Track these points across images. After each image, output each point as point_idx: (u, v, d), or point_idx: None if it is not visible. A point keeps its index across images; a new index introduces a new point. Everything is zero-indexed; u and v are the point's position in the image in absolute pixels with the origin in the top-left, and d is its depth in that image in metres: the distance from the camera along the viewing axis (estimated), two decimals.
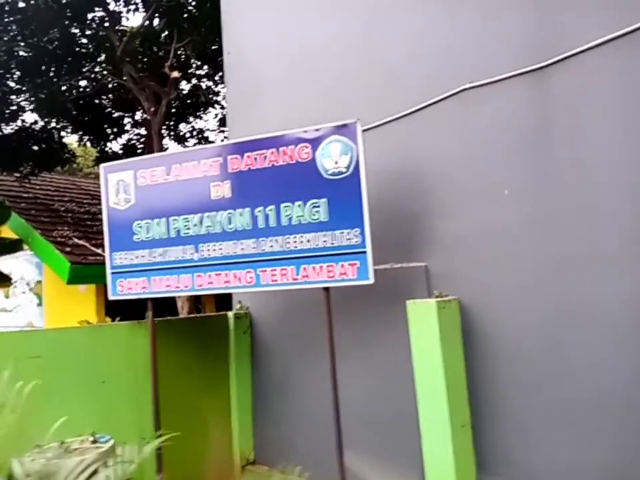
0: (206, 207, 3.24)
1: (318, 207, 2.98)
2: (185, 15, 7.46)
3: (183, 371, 3.82)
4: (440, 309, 2.81)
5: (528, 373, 2.71)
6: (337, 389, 2.98)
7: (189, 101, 9.30)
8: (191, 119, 9.83)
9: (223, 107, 9.61)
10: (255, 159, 3.13)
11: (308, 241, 3.00)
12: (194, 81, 9.07)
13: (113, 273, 3.52)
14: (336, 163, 2.95)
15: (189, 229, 3.29)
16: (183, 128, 9.90)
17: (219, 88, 9.33)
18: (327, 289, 3.01)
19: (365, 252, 2.87)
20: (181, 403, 3.65)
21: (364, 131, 2.97)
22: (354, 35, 3.61)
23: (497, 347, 2.84)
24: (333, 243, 2.94)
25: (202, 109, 9.56)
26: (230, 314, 4.20)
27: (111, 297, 3.54)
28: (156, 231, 3.38)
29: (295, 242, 3.03)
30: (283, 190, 3.07)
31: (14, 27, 6.63)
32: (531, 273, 2.71)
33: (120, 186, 3.48)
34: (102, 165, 3.62)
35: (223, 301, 6.69)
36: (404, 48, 3.30)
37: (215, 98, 9.45)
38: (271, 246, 3.08)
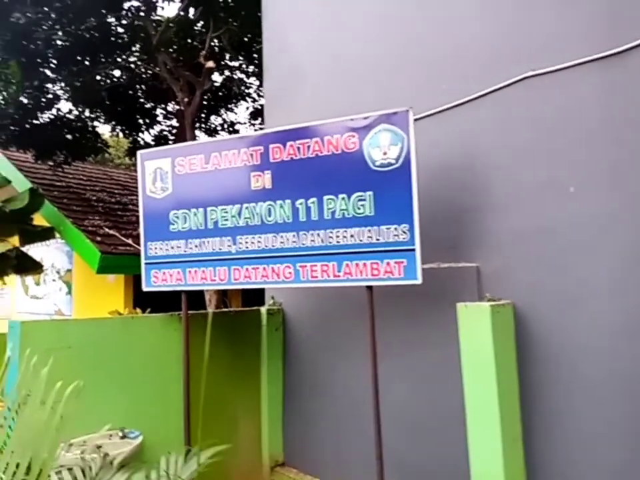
0: (245, 197, 3.10)
1: (364, 200, 2.80)
2: (221, 4, 7.36)
3: (214, 367, 3.70)
4: (494, 313, 2.61)
5: (587, 385, 2.49)
6: (379, 395, 2.81)
7: (220, 93, 9.23)
8: (222, 111, 9.76)
9: (254, 100, 9.51)
10: (298, 148, 2.97)
11: (351, 236, 2.83)
12: (227, 72, 8.98)
13: (147, 264, 3.41)
14: (385, 153, 2.77)
15: (226, 220, 3.15)
16: (214, 120, 9.83)
17: (251, 80, 9.22)
18: (370, 287, 2.84)
19: (413, 249, 2.68)
20: (211, 399, 3.53)
21: (415, 120, 2.78)
22: (403, 18, 3.42)
23: (552, 355, 2.62)
24: (378, 239, 2.77)
25: (234, 101, 9.48)
26: (263, 309, 4.07)
27: (145, 289, 3.43)
28: (193, 221, 3.25)
29: (338, 237, 2.86)
30: (326, 181, 2.91)
31: (53, 16, 6.63)
32: (596, 276, 2.49)
33: (157, 174, 3.37)
34: (139, 152, 3.51)
35: (249, 294, 6.59)
36: (458, 32, 3.09)
37: (246, 90, 9.35)
38: (312, 240, 2.93)
